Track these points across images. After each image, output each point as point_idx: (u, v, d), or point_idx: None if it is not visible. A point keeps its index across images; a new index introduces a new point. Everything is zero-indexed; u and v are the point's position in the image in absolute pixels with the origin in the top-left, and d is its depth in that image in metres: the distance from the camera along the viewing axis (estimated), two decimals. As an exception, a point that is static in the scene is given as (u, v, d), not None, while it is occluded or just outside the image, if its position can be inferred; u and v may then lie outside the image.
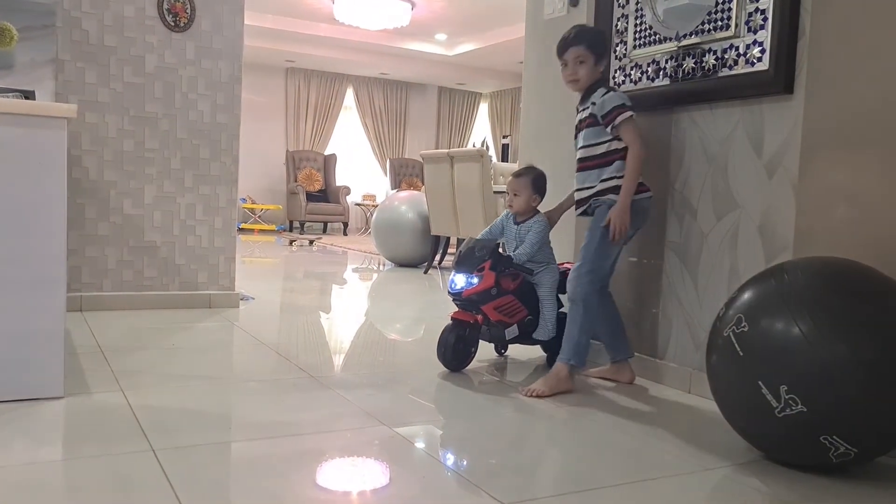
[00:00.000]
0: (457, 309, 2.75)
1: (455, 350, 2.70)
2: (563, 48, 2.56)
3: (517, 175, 2.80)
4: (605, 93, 2.49)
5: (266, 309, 4.06)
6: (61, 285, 2.15)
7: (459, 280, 2.69)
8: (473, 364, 2.79)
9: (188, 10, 3.74)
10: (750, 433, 1.85)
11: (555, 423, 2.20)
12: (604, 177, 2.51)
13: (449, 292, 2.74)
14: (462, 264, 2.71)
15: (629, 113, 2.45)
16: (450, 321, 2.74)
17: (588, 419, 2.22)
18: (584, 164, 2.57)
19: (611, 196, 2.48)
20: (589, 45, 2.52)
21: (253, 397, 2.32)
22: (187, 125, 3.79)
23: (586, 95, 2.57)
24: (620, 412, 2.31)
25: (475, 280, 2.65)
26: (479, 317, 2.71)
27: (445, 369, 2.73)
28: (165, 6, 3.70)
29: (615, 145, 2.49)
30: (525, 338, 2.80)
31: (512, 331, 2.75)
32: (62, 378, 2.15)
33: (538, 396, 2.43)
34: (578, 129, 2.61)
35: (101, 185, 3.64)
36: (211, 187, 3.86)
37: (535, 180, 2.76)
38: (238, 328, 3.42)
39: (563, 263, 2.90)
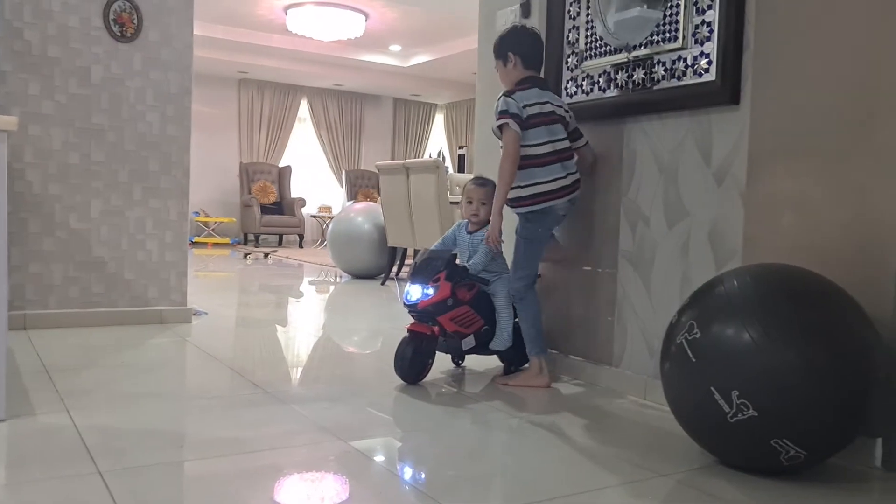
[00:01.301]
0: (413, 321, 2.74)
1: (412, 363, 2.68)
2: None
3: (481, 185, 2.80)
4: (498, 98, 2.60)
5: (220, 324, 3.99)
6: (2, 303, 2.07)
7: (415, 291, 2.68)
8: (430, 376, 2.77)
9: (135, 21, 3.68)
10: (703, 438, 1.88)
11: (512, 433, 2.20)
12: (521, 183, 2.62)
13: (405, 304, 2.72)
14: (417, 275, 2.70)
15: (504, 120, 2.54)
16: (406, 333, 2.73)
17: (545, 429, 2.22)
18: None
19: (522, 219, 2.67)
20: (494, 52, 2.70)
21: (206, 414, 2.27)
22: (136, 137, 3.71)
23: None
24: (577, 421, 2.33)
25: (430, 291, 2.65)
26: (436, 328, 2.70)
27: (402, 382, 2.71)
28: (111, 16, 3.63)
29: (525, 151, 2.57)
30: (482, 348, 2.80)
31: (468, 341, 2.75)
32: (4, 400, 2.08)
33: (504, 385, 2.68)
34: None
35: (45, 199, 3.54)
36: (161, 201, 3.79)
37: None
38: (190, 344, 3.35)
39: None
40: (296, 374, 2.96)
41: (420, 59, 10.71)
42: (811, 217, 2.08)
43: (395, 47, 10.60)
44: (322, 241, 11.34)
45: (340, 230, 6.58)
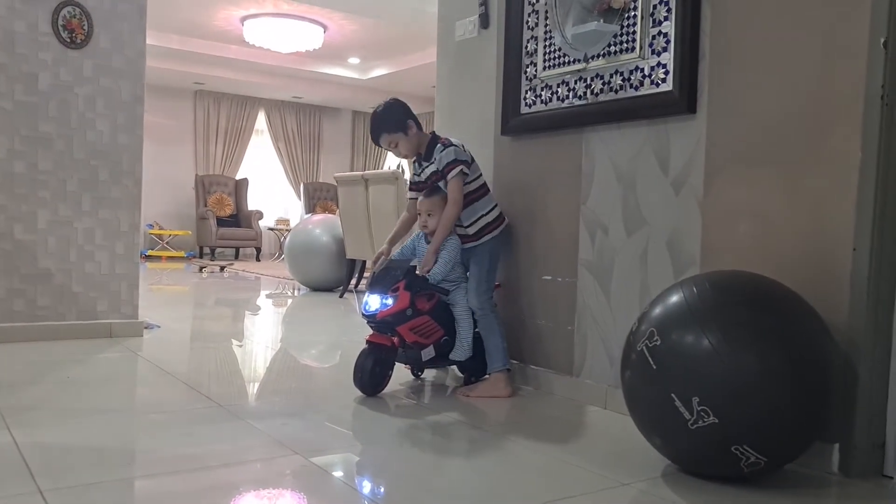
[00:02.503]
0: (371, 332, 2.69)
1: (372, 374, 2.63)
2: (374, 141, 2.83)
3: (428, 195, 2.80)
4: (443, 150, 2.72)
5: (173, 337, 3.88)
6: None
7: (373, 301, 2.63)
8: (390, 387, 2.73)
9: (85, 27, 3.58)
10: (665, 447, 1.87)
11: (472, 445, 2.17)
12: (479, 214, 2.77)
13: (363, 314, 2.67)
14: (376, 285, 2.66)
15: (458, 168, 2.69)
16: (366, 345, 2.68)
17: (505, 440, 2.20)
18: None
19: (487, 237, 2.78)
20: (388, 129, 2.75)
21: (157, 430, 2.19)
22: (85, 146, 3.60)
23: (426, 155, 2.78)
24: (537, 432, 2.30)
25: (390, 301, 2.60)
26: (395, 339, 2.65)
27: (361, 394, 2.66)
28: (60, 22, 3.52)
29: (468, 188, 2.74)
30: (441, 359, 2.77)
31: (428, 352, 2.71)
32: (-60, 418, 1.97)
33: (466, 396, 2.68)
34: (426, 182, 2.82)
35: (-11, 210, 3.41)
36: (111, 211, 3.68)
37: (445, 199, 2.75)
38: (142, 358, 3.25)
39: None
40: (252, 388, 2.89)
41: (379, 71, 10.69)
42: (767, 225, 2.10)
43: (354, 60, 10.56)
44: (279, 254, 11.20)
45: (298, 242, 6.50)
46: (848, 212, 1.92)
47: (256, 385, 2.96)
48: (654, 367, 1.78)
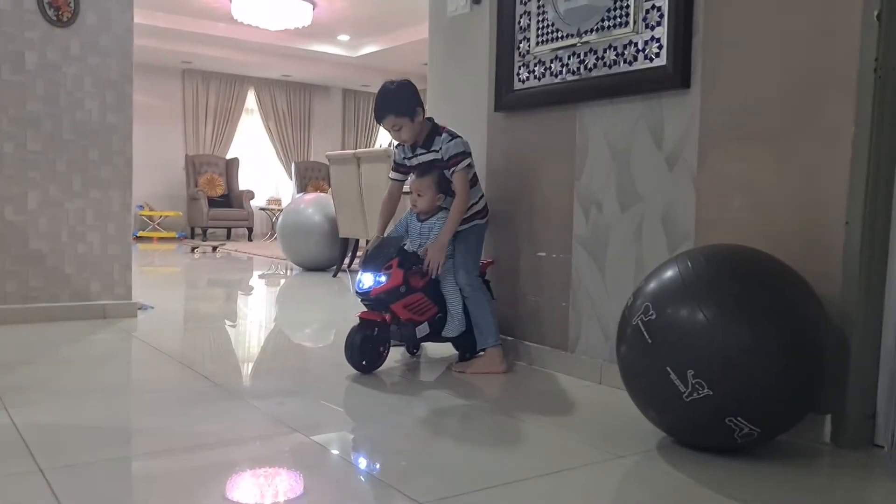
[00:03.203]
0: (365, 309, 2.71)
1: (362, 351, 2.65)
2: (377, 119, 2.77)
3: (421, 175, 2.80)
4: (450, 140, 2.72)
5: (167, 318, 3.89)
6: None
7: (367, 279, 2.64)
8: (386, 365, 2.75)
9: (71, 4, 3.53)
10: (660, 419, 1.90)
11: (468, 420, 2.19)
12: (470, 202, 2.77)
13: (356, 292, 2.69)
14: (369, 263, 2.67)
15: (467, 161, 2.71)
16: (357, 321, 2.69)
17: (501, 415, 2.22)
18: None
19: (475, 222, 2.81)
20: (397, 112, 2.70)
21: (154, 410, 2.20)
22: (74, 126, 3.58)
23: (425, 143, 2.76)
24: (533, 407, 2.33)
25: (383, 278, 2.61)
26: (388, 316, 2.67)
27: (356, 372, 2.67)
28: (46, 0, 3.48)
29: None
30: (435, 335, 2.78)
31: (423, 329, 2.73)
32: (-64, 399, 1.98)
33: (461, 372, 2.70)
34: (414, 168, 2.83)
35: (-22, 191, 3.38)
36: (102, 191, 3.66)
37: (438, 180, 2.76)
38: (136, 339, 3.25)
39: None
40: (247, 367, 2.90)
41: (369, 48, 10.62)
42: (761, 199, 2.11)
43: (344, 37, 10.48)
44: (272, 234, 11.18)
45: (290, 222, 6.49)
46: (841, 185, 1.93)
47: (251, 364, 2.97)
48: (650, 340, 1.79)
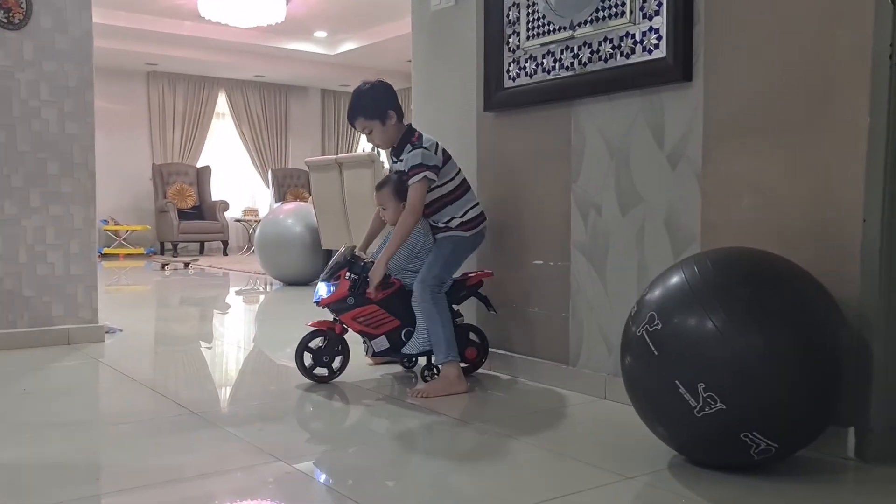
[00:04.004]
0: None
1: (300, 357, 2.78)
2: (349, 122, 2.85)
3: (378, 188, 2.87)
4: (411, 150, 2.74)
5: (137, 342, 3.87)
6: None
7: (321, 289, 2.79)
8: (376, 381, 2.75)
9: (23, 6, 3.53)
10: (670, 436, 1.90)
11: (463, 443, 2.19)
12: (451, 216, 2.80)
13: (314, 302, 2.82)
14: (325, 272, 2.83)
15: (422, 174, 2.70)
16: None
17: (499, 436, 2.22)
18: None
19: (456, 233, 2.80)
20: (366, 114, 2.77)
21: (125, 442, 2.19)
22: (30, 137, 3.57)
23: (398, 150, 2.80)
24: (533, 426, 2.33)
25: (332, 289, 2.75)
26: (338, 326, 2.80)
27: (345, 393, 2.68)
28: (-2, 1, 3.47)
29: (441, 190, 2.78)
30: (395, 351, 2.84)
31: (379, 342, 2.80)
32: None
33: (424, 397, 2.59)
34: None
35: (-72, 211, 3.37)
36: (63, 207, 3.65)
37: (396, 189, 2.80)
38: (104, 365, 3.24)
39: (468, 274, 2.91)
40: (225, 392, 2.89)
41: (348, 45, 10.64)
42: (771, 197, 2.13)
43: (321, 33, 10.50)
44: (249, 248, 11.16)
45: (269, 234, 6.48)
46: (856, 180, 1.95)
47: (229, 389, 2.96)
48: (656, 352, 1.80)
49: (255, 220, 10.90)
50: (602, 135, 2.59)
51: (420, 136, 2.79)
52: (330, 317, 2.85)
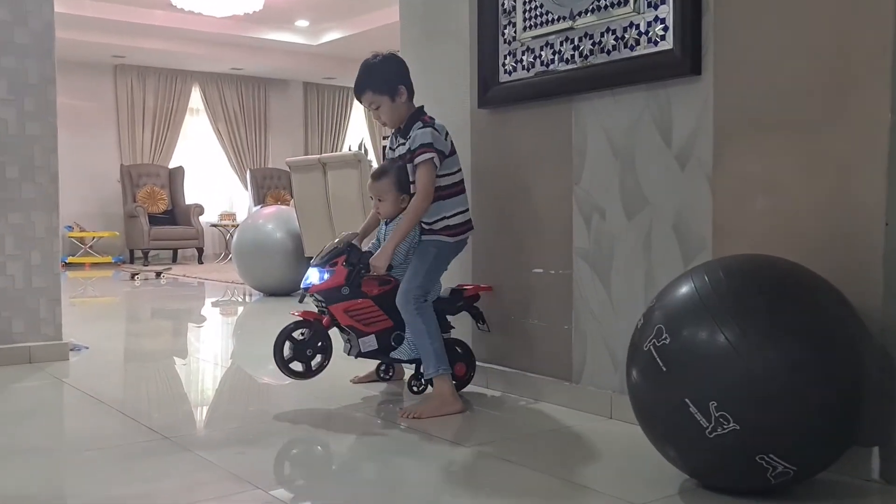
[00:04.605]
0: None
1: (282, 349, 2.75)
2: (356, 96, 2.84)
3: (376, 177, 2.85)
4: (421, 127, 2.73)
5: (104, 359, 3.87)
6: None
7: (313, 275, 2.77)
8: (366, 402, 2.75)
9: (-21, -3, 3.53)
10: (681, 459, 1.91)
11: (456, 466, 2.19)
12: (441, 215, 2.79)
13: (302, 288, 2.82)
14: (318, 258, 2.80)
15: (430, 155, 2.68)
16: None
17: (497, 459, 2.22)
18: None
19: (439, 237, 2.79)
20: (375, 88, 2.77)
21: (92, 470, 2.18)
22: (-12, 139, 3.56)
23: (405, 130, 2.79)
24: (533, 448, 2.34)
25: (326, 276, 2.72)
26: (326, 318, 2.78)
27: (331, 414, 2.69)
28: (-49, -8, 3.47)
29: (438, 182, 2.75)
30: (384, 353, 2.83)
31: (368, 341, 2.78)
32: None
33: (416, 418, 2.57)
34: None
35: None
36: (23, 214, 3.64)
37: (397, 179, 2.80)
38: (69, 386, 3.24)
39: (464, 286, 2.92)
40: (200, 414, 2.90)
41: (332, 35, 10.66)
42: (787, 199, 2.14)
43: (303, 22, 10.52)
44: (226, 255, 11.15)
45: (247, 240, 6.48)
46: (878, 181, 1.96)
47: (205, 410, 2.96)
48: (664, 368, 1.81)
49: (233, 226, 10.90)
50: (605, 133, 2.60)
51: (433, 118, 2.79)
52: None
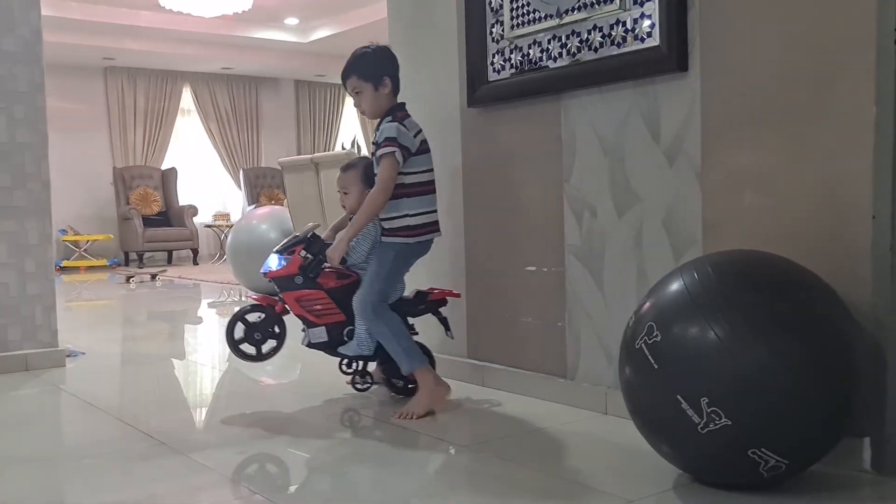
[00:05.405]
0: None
1: (232, 334, 2.84)
2: (342, 80, 2.81)
3: (343, 170, 2.88)
4: (389, 121, 2.70)
5: (101, 365, 3.87)
6: None
7: (272, 261, 2.82)
8: (363, 399, 2.76)
9: (-34, 6, 3.52)
10: (674, 455, 1.93)
11: (457, 465, 2.21)
12: (403, 212, 2.74)
13: (262, 273, 2.87)
14: (282, 244, 2.86)
15: (392, 149, 2.64)
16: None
17: (494, 457, 2.24)
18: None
19: (398, 239, 2.73)
20: (360, 74, 2.73)
21: (90, 476, 2.20)
22: (-22, 147, 3.56)
23: (379, 124, 2.77)
24: (528, 446, 2.35)
25: (284, 263, 2.78)
26: (279, 305, 2.84)
27: (328, 416, 2.71)
28: (-62, 1, 3.47)
29: (403, 179, 2.70)
30: (332, 347, 2.85)
31: (317, 333, 2.82)
32: None
33: (411, 418, 2.59)
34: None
35: None
36: (16, 222, 3.64)
37: (364, 173, 2.80)
38: (66, 393, 3.24)
39: (434, 289, 2.91)
40: (198, 417, 2.91)
41: (322, 32, 10.64)
42: (776, 194, 2.15)
43: (292, 20, 10.50)
44: (221, 256, 11.15)
45: (242, 241, 6.48)
46: (865, 173, 1.97)
47: (203, 413, 2.97)
48: (656, 366, 1.82)
49: (227, 226, 10.90)
50: (594, 130, 2.61)
51: (406, 116, 2.74)
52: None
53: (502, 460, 2.21)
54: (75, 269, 10.41)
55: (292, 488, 2.09)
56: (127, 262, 11.16)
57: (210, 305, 6.52)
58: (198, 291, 7.57)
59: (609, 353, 2.60)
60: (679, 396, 1.78)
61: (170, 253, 11.50)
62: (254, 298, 2.88)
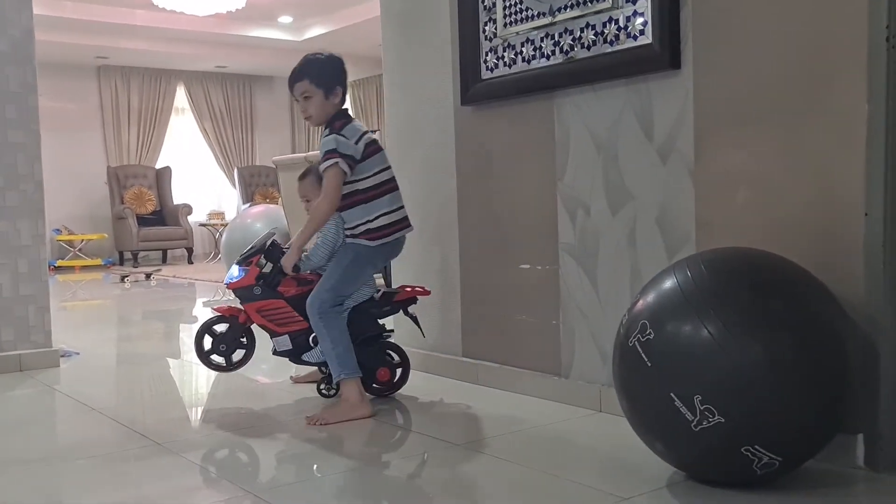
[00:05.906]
0: None
1: (201, 341, 2.86)
2: (290, 83, 2.78)
3: (300, 178, 2.90)
4: (327, 135, 2.69)
5: (96, 365, 3.87)
6: None
7: (234, 271, 2.83)
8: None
9: (-42, 6, 3.51)
10: (668, 453, 1.93)
11: (453, 465, 2.21)
12: (363, 219, 2.75)
13: (224, 284, 2.91)
14: (243, 254, 2.86)
15: (334, 160, 2.64)
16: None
17: (489, 455, 2.24)
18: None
19: (359, 241, 2.74)
20: (314, 79, 2.72)
21: (83, 478, 2.20)
22: (-30, 148, 3.55)
23: (326, 132, 2.75)
24: (523, 444, 2.35)
25: (243, 274, 2.78)
26: (242, 315, 2.84)
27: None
28: (-71, 2, 3.46)
29: (356, 186, 2.72)
30: (296, 355, 2.85)
31: (281, 342, 2.82)
32: None
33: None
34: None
35: None
36: (9, 222, 3.64)
37: (320, 179, 2.77)
38: (60, 393, 3.24)
39: (405, 287, 2.92)
40: (194, 417, 2.91)
41: (316, 31, 10.62)
42: (767, 191, 2.16)
43: (286, 19, 10.48)
44: (216, 255, 11.13)
45: (237, 239, 6.47)
46: (857, 171, 1.98)
47: (199, 413, 2.97)
48: (649, 364, 1.83)
49: (222, 225, 10.87)
50: (588, 128, 2.61)
51: (345, 124, 2.70)
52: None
53: (495, 458, 2.22)
54: (70, 269, 10.39)
55: (287, 488, 2.09)
56: (121, 262, 11.13)
57: (206, 304, 6.51)
58: (192, 291, 7.56)
59: (603, 351, 2.61)
60: (672, 394, 1.78)
61: (164, 252, 11.48)
62: (217, 310, 2.89)
